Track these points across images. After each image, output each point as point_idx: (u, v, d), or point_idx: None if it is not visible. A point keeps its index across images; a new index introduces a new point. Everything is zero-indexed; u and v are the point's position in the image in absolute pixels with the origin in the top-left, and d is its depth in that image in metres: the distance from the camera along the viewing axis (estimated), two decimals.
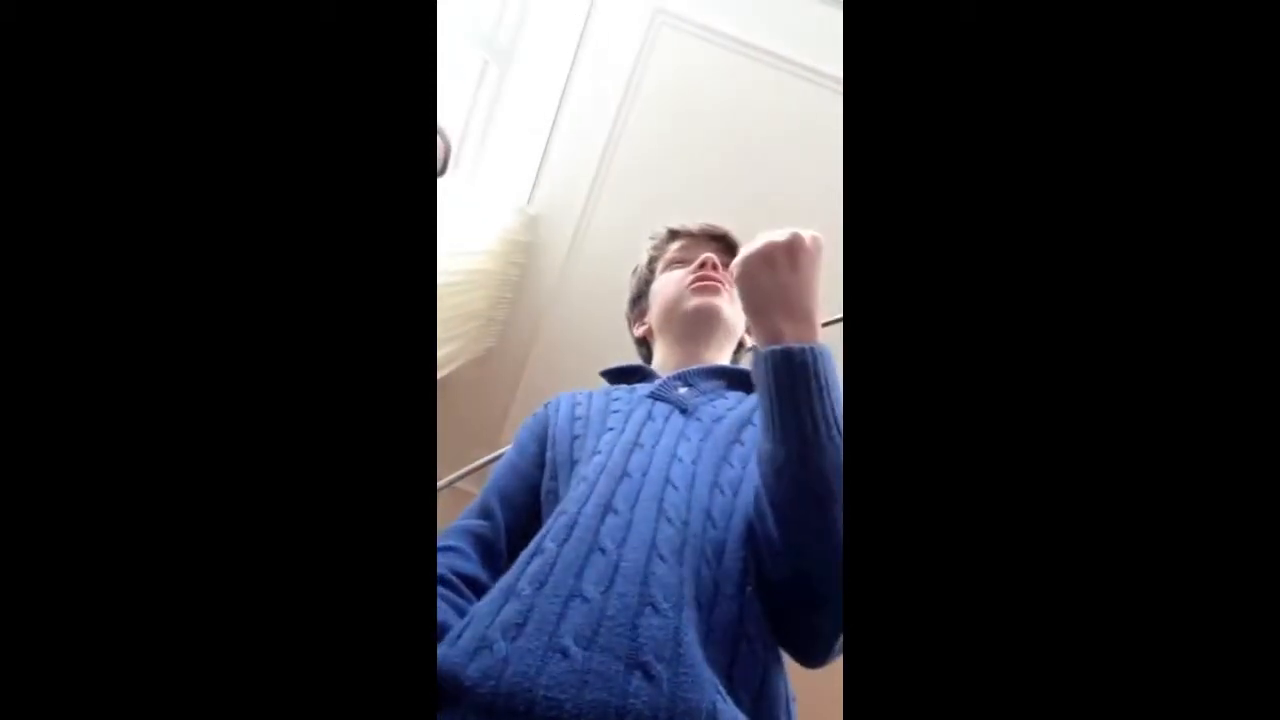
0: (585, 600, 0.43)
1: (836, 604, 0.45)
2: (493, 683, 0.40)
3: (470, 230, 1.37)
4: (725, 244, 0.82)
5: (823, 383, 0.48)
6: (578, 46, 1.69)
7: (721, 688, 0.41)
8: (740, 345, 0.80)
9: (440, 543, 0.60)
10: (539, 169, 1.75)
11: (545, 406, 0.73)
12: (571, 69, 1.70)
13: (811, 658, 0.49)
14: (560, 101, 1.71)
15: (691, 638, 0.42)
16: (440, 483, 1.24)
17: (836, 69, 1.55)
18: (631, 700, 0.39)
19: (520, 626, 0.43)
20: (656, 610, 0.43)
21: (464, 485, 1.16)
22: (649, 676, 0.40)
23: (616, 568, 0.45)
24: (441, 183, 1.09)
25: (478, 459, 1.14)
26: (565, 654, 0.41)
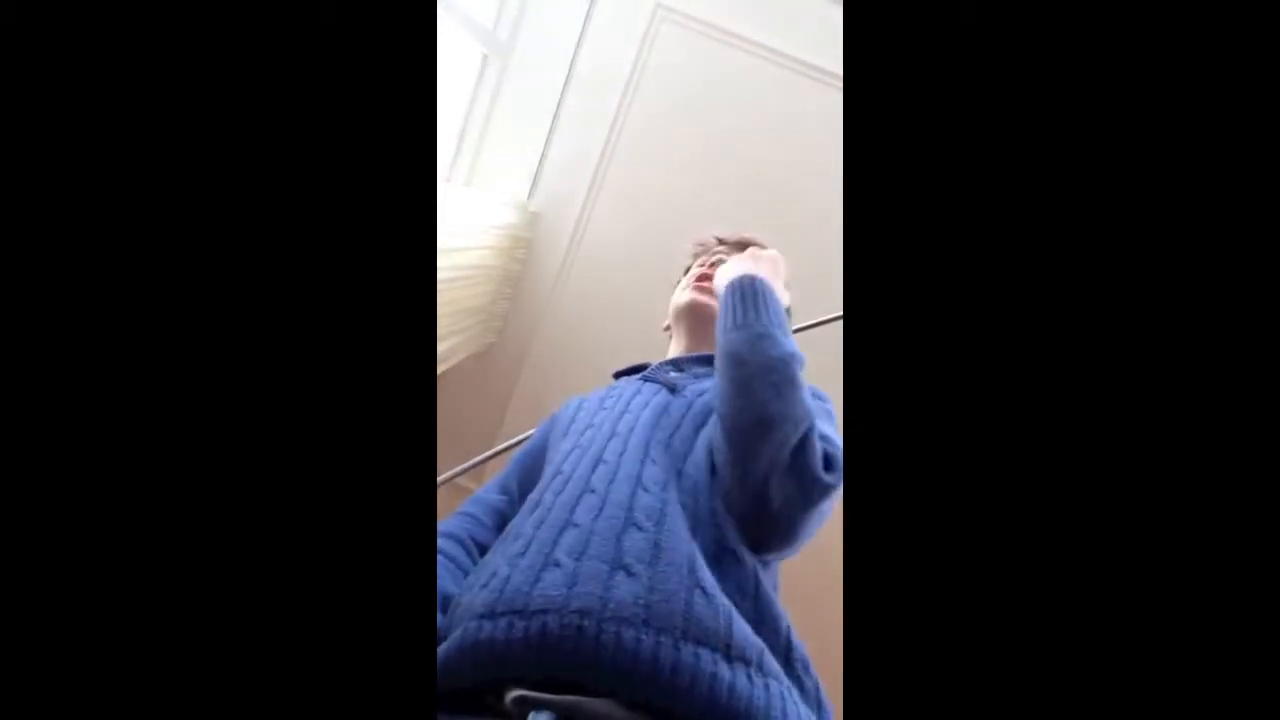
0: (576, 526, 0.49)
1: (748, 454, 0.52)
2: (495, 595, 0.45)
3: (471, 226, 1.37)
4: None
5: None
6: (578, 41, 1.69)
7: (703, 586, 0.45)
8: None
9: (464, 509, 0.69)
10: (539, 165, 1.74)
11: (564, 405, 0.80)
12: (572, 64, 1.70)
13: (772, 525, 0.52)
14: (561, 97, 1.71)
15: (670, 545, 0.47)
16: (440, 477, 1.24)
17: (838, 65, 1.55)
18: (614, 591, 0.43)
19: (521, 555, 0.48)
20: (639, 529, 0.48)
21: (463, 481, 1.16)
22: (630, 574, 0.44)
23: (605, 500, 0.51)
24: (443, 179, 1.09)
25: (478, 453, 1.14)
26: (558, 565, 0.46)
